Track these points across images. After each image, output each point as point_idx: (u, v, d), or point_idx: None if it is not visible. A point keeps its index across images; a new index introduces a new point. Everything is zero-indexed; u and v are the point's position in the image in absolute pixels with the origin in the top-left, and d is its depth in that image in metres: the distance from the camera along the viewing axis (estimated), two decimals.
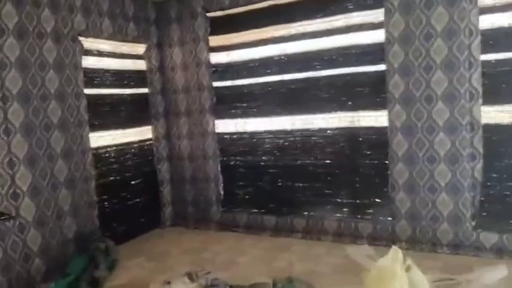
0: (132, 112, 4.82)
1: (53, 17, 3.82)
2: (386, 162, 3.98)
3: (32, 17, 3.65)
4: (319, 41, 4.20)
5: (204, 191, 4.97)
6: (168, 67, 5.04)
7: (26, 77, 3.59)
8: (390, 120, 3.90)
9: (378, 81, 3.94)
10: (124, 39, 4.66)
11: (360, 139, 4.14)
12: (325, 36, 4.17)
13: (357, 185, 4.19)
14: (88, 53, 4.24)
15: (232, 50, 4.72)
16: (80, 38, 4.11)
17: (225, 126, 4.87)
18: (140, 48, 4.91)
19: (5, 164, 3.45)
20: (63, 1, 3.92)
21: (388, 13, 3.81)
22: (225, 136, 4.88)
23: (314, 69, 4.26)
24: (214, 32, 4.77)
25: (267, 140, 4.64)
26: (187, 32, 4.85)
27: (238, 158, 4.84)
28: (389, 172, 3.96)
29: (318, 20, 4.17)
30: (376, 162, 4.08)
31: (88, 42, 4.22)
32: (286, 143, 4.53)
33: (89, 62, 4.25)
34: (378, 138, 4.03)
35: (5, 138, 3.45)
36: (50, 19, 3.80)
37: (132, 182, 4.83)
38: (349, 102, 4.14)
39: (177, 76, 4.99)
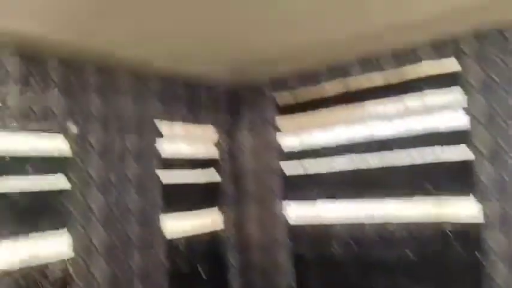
0: (202, 198, 4.81)
1: (133, 103, 4.05)
2: (480, 259, 3.53)
3: (114, 104, 3.88)
4: (395, 123, 4.05)
5: (274, 283, 4.67)
6: (239, 151, 5.07)
7: (106, 163, 3.74)
8: (481, 211, 3.52)
9: (463, 167, 3.64)
10: (197, 124, 4.81)
11: (446, 231, 3.75)
12: (401, 118, 4.02)
13: (446, 285, 3.73)
14: (163, 137, 4.38)
15: (303, 133, 4.68)
16: (157, 123, 4.29)
17: (296, 212, 4.68)
18: (212, 133, 5.02)
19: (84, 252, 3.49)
20: (143, 89, 4.18)
21: (468, 94, 3.62)
22: (296, 223, 4.66)
23: (391, 153, 4.06)
24: (284, 115, 4.80)
25: (340, 228, 4.36)
26: (257, 116, 4.93)
27: (310, 247, 4.57)
28: (484, 271, 3.49)
29: (393, 102, 4.05)
30: (467, 258, 3.63)
31: (164, 127, 4.38)
32: (362, 233, 4.21)
33: (163, 146, 4.37)
34: (467, 230, 3.63)
35: (85, 226, 3.52)
36: (131, 105, 4.03)
37: (201, 271, 4.66)
38: (432, 190, 3.83)
39: (247, 161, 5.00)
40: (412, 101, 3.96)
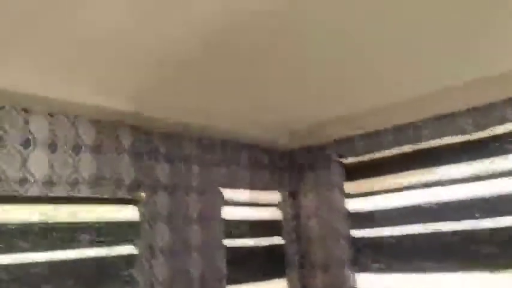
0: (266, 264, 4.60)
1: (200, 171, 4.04)
2: None
3: (180, 171, 3.88)
4: (476, 186, 3.70)
5: None
6: (303, 215, 4.87)
7: (172, 230, 3.68)
8: None
9: None
10: (260, 189, 4.70)
11: None
12: (483, 180, 3.67)
13: None
14: (227, 203, 4.31)
15: (371, 196, 4.41)
16: (221, 190, 4.23)
17: (366, 282, 4.33)
18: (275, 197, 4.88)
19: None
20: (208, 155, 4.18)
21: None
22: None
23: (472, 218, 3.69)
24: (351, 178, 4.58)
25: None
26: (322, 179, 4.73)
27: None
28: None
29: (474, 163, 3.72)
30: None
31: (227, 193, 4.32)
32: None
33: (227, 212, 4.29)
34: None
35: None
36: (197, 173, 4.01)
37: None
38: None
39: (312, 225, 4.77)
40: (495, 162, 3.63)
